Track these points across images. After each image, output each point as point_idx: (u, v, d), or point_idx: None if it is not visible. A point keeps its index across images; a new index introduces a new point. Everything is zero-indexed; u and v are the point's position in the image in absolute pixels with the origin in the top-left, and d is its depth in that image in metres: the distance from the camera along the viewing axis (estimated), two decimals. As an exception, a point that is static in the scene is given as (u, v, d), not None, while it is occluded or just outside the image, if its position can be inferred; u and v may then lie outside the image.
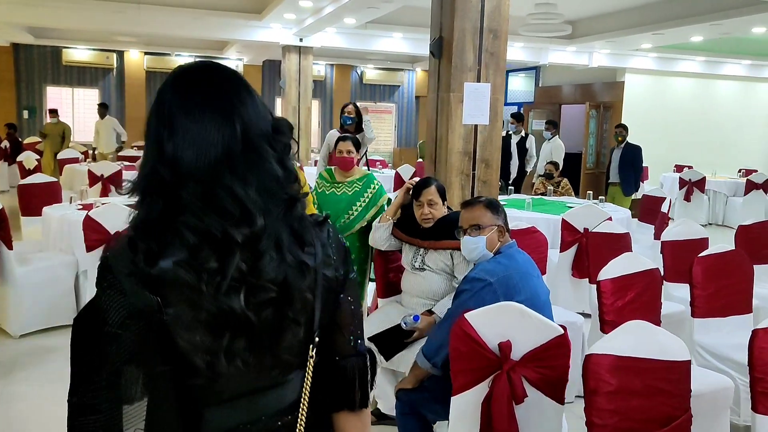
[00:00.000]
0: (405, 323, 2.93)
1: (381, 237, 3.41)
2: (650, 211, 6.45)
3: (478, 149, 4.63)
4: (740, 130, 13.89)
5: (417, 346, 2.83)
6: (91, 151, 11.61)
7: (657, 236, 5.79)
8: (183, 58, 15.37)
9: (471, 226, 2.62)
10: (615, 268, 2.98)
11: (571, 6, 9.11)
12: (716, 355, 3.18)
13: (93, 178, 7.59)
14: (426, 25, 4.88)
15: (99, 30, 11.64)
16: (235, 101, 1.06)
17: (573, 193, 7.68)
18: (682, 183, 10.53)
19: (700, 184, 10.38)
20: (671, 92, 13.35)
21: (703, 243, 4.37)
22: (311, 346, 1.11)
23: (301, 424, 1.12)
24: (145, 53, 15.41)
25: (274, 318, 1.05)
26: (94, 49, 14.91)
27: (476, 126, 4.59)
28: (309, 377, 1.12)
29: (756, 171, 12.10)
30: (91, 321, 1.03)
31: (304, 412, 1.12)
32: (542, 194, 7.17)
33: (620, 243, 4.10)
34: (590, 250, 4.11)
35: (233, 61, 15.66)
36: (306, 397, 1.12)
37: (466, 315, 2.15)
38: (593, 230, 4.25)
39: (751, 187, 10.28)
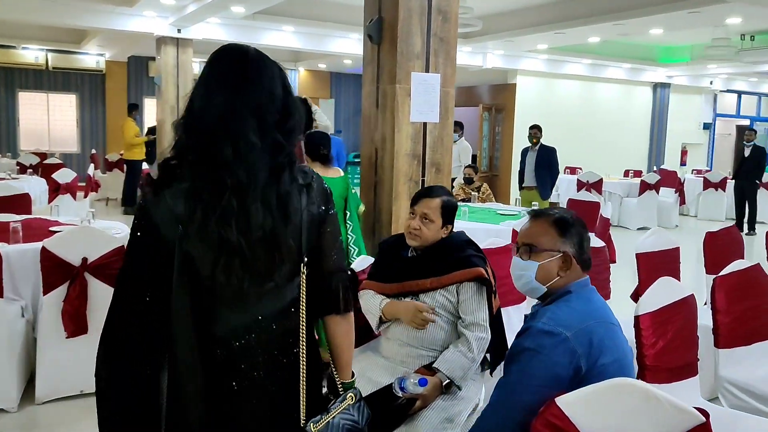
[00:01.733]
0: (403, 388, 2.14)
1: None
2: (581, 217, 6.07)
3: (427, 151, 3.92)
4: (622, 132, 14.36)
5: (423, 426, 2.06)
6: None
7: (599, 244, 5.39)
8: (32, 52, 13.41)
9: (524, 244, 1.89)
10: (654, 298, 2.38)
11: (469, 4, 8.71)
12: (752, 393, 2.68)
13: None
14: (319, 19, 4.10)
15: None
16: (250, 82, 1.39)
17: (493, 197, 7.22)
18: (580, 185, 10.51)
19: (598, 185, 10.42)
20: (559, 94, 13.51)
21: (675, 253, 3.97)
22: (302, 264, 1.45)
23: (302, 327, 1.46)
24: (-14, 45, 13.27)
25: (266, 253, 1.38)
26: None
27: (425, 124, 3.89)
28: (303, 288, 1.46)
29: (641, 171, 12.49)
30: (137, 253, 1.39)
31: (303, 317, 1.46)
32: (465, 200, 6.63)
33: (599, 258, 3.56)
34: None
35: (93, 56, 13.89)
36: (303, 305, 1.46)
37: (559, 400, 1.41)
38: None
39: (645, 187, 10.47)
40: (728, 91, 15.98)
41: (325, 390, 1.59)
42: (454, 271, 2.36)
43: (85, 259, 3.36)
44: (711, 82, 15.04)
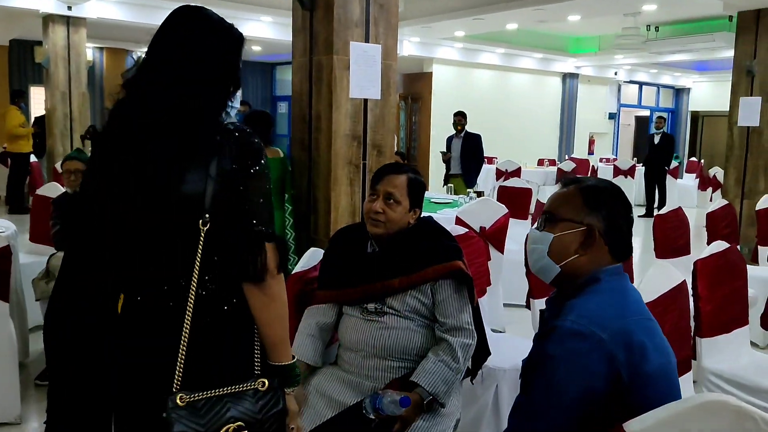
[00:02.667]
0: (379, 408, 1.74)
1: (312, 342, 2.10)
2: (514, 205, 5.86)
3: (368, 131, 3.52)
4: (534, 122, 14.53)
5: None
6: None
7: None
8: None
9: (544, 212, 1.55)
10: (653, 285, 2.10)
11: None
12: (737, 384, 2.48)
13: None
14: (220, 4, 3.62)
15: None
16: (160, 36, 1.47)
17: (422, 186, 6.93)
18: (499, 173, 10.49)
19: (516, 174, 10.39)
20: (474, 84, 13.46)
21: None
22: (201, 222, 1.36)
23: (192, 287, 1.36)
24: None
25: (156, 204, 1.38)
26: None
27: (365, 102, 3.48)
28: (200, 248, 1.36)
29: (555, 160, 12.65)
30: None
31: (195, 276, 1.37)
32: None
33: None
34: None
35: (-31, 38, 12.45)
36: (197, 266, 1.37)
37: (628, 427, 1.07)
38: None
39: (561, 176, 10.56)
40: (631, 82, 16.57)
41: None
42: (427, 267, 1.97)
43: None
44: (615, 73, 15.52)
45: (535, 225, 1.57)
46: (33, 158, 9.54)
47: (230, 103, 1.56)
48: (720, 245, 2.69)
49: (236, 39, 1.51)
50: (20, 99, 9.56)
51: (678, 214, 4.06)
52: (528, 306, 3.19)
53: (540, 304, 3.10)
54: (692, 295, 2.60)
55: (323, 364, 2.08)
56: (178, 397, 1.31)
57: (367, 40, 3.42)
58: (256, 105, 16.47)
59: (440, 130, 11.42)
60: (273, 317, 1.41)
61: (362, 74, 3.40)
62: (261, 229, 1.39)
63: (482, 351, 2.09)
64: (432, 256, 1.98)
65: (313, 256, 2.26)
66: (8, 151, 9.49)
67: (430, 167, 12.72)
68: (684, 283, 2.27)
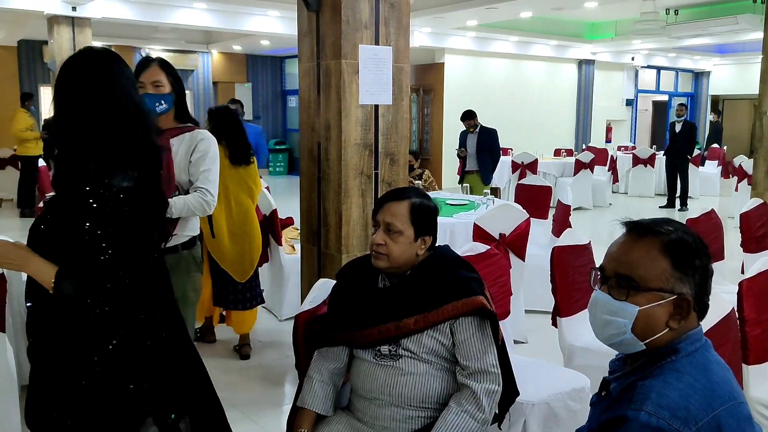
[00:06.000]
0: None
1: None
2: (532, 204, 5.63)
3: (380, 139, 3.32)
4: (549, 111, 14.22)
5: None
6: None
7: (559, 233, 4.97)
8: None
9: (618, 275, 1.27)
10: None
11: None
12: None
13: None
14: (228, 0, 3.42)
15: None
16: None
17: (437, 185, 6.71)
18: (515, 166, 10.22)
19: (533, 166, 10.13)
20: (488, 73, 13.17)
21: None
22: None
23: None
24: None
25: None
26: None
27: (376, 108, 3.28)
28: None
29: (572, 150, 12.35)
30: None
31: None
32: (408, 189, 6.05)
33: (585, 258, 3.08)
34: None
35: (-23, 40, 12.37)
36: None
37: None
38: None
39: (579, 167, 10.28)
40: (648, 66, 16.18)
41: None
42: (446, 304, 1.77)
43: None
44: (632, 58, 15.14)
45: (605, 286, 1.28)
46: (42, 162, 9.42)
47: None
48: (765, 263, 2.46)
49: None
50: (29, 101, 9.45)
51: (711, 217, 3.82)
52: (554, 323, 2.99)
53: (568, 323, 2.90)
54: (738, 319, 2.39)
55: (335, 411, 1.90)
56: None
57: (377, 42, 3.21)
58: (266, 99, 16.31)
59: (453, 121, 11.17)
60: None
61: (372, 79, 3.20)
62: None
63: (510, 392, 1.90)
64: (450, 292, 1.78)
65: (322, 289, 2.07)
66: (17, 155, 9.39)
67: (443, 161, 12.49)
68: (734, 311, 2.06)
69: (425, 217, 1.87)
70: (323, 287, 2.07)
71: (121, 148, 1.63)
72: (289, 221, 5.59)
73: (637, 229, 1.28)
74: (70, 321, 1.60)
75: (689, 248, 1.25)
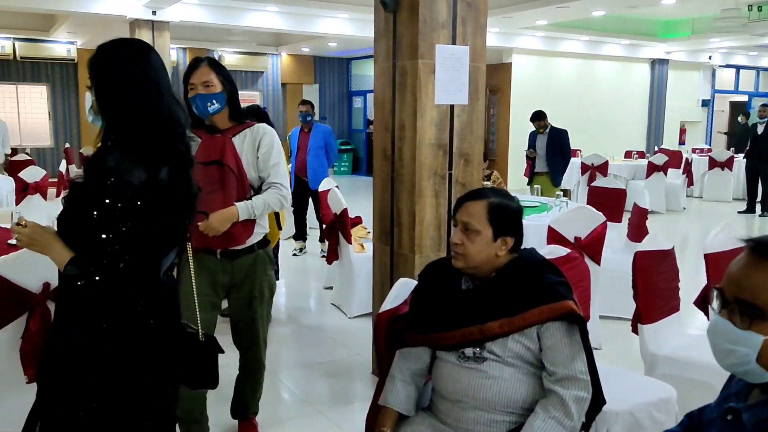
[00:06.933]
0: None
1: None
2: (606, 207, 5.47)
3: (455, 139, 3.30)
4: (620, 112, 13.82)
5: None
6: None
7: (635, 237, 4.82)
8: (-2, 41, 12.51)
9: (739, 301, 1.15)
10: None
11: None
12: None
13: None
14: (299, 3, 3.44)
15: None
16: None
17: (505, 185, 6.63)
18: (585, 168, 9.97)
19: (603, 168, 9.87)
20: (556, 74, 12.92)
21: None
22: None
23: None
24: (-56, 34, 12.34)
25: None
26: None
27: (452, 107, 3.26)
28: None
29: (644, 152, 11.96)
30: None
31: None
32: (476, 191, 6.00)
33: (668, 264, 2.97)
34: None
35: (63, 44, 13.01)
36: None
37: None
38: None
39: (652, 169, 9.94)
40: (727, 66, 15.50)
41: None
42: (532, 308, 1.74)
43: (47, 285, 2.71)
44: (710, 57, 14.54)
45: (718, 309, 1.17)
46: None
47: None
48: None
49: None
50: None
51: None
52: (634, 330, 2.89)
53: (650, 331, 2.80)
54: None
55: (417, 411, 1.90)
56: None
57: (453, 42, 3.20)
58: (332, 100, 16.51)
59: (520, 122, 11.00)
60: None
61: (448, 79, 3.19)
62: None
63: (597, 400, 1.85)
64: (537, 296, 1.75)
65: (403, 288, 2.07)
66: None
67: (509, 163, 12.33)
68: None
69: (506, 218, 1.84)
70: (404, 286, 2.08)
71: (150, 138, 1.64)
72: (357, 220, 5.64)
73: (760, 250, 1.14)
74: (69, 306, 1.68)
75: None
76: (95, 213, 1.58)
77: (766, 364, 1.13)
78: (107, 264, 1.59)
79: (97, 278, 1.60)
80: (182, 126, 1.76)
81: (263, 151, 2.59)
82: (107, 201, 1.57)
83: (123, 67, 1.66)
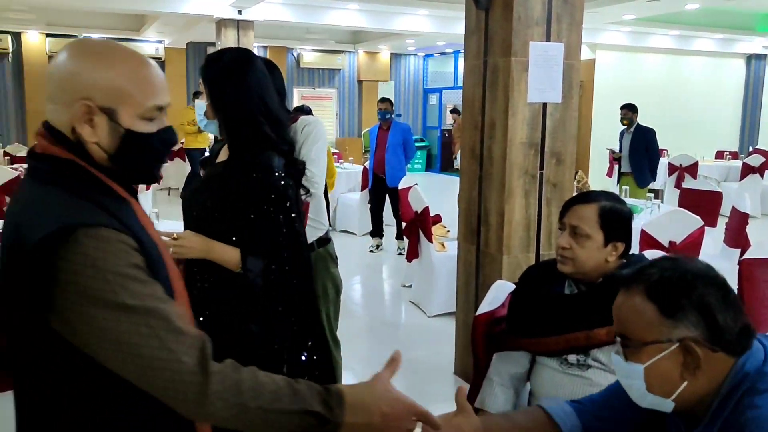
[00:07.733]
0: None
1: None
2: (699, 210, 5.21)
3: (547, 138, 3.22)
4: (711, 110, 13.17)
5: None
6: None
7: (733, 243, 4.57)
8: (92, 41, 13.17)
9: (617, 334, 1.20)
10: None
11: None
12: None
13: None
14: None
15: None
16: None
17: (589, 185, 6.43)
18: (672, 168, 9.55)
19: (692, 169, 9.42)
20: (642, 70, 12.44)
21: None
22: None
23: None
24: (47, 35, 13.10)
25: None
26: (-19, 30, 12.53)
27: (545, 106, 3.19)
28: None
29: (737, 153, 11.36)
30: None
31: None
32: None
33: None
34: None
35: (152, 43, 13.59)
36: None
37: None
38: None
39: (747, 171, 9.42)
40: (832, 61, 14.48)
41: None
42: None
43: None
44: (813, 52, 13.62)
45: (616, 347, 1.19)
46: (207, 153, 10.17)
47: None
48: None
49: None
50: (198, 99, 10.24)
51: None
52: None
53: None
54: None
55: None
56: None
57: (548, 39, 3.12)
58: (407, 97, 16.53)
59: (603, 120, 10.66)
60: None
61: (542, 76, 3.11)
62: None
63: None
64: None
65: (501, 290, 2.03)
66: (183, 147, 10.21)
67: (590, 164, 11.96)
68: None
69: (617, 222, 1.77)
70: (502, 288, 2.04)
71: (264, 137, 1.80)
72: (437, 218, 5.60)
73: (623, 282, 1.19)
74: (245, 294, 1.78)
75: (671, 287, 1.11)
76: (271, 208, 1.75)
77: (656, 390, 1.13)
78: (286, 254, 1.76)
79: (273, 266, 1.76)
80: (285, 125, 1.83)
81: (301, 141, 2.65)
82: (280, 196, 1.75)
83: (234, 75, 1.81)
